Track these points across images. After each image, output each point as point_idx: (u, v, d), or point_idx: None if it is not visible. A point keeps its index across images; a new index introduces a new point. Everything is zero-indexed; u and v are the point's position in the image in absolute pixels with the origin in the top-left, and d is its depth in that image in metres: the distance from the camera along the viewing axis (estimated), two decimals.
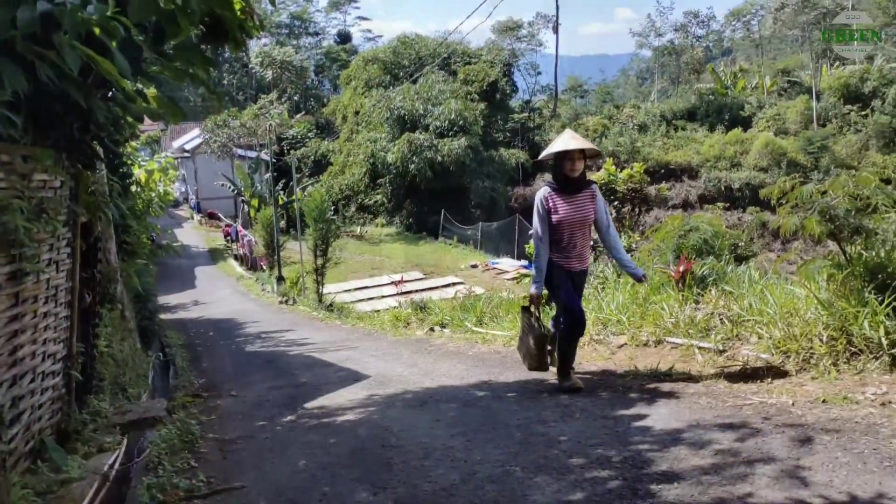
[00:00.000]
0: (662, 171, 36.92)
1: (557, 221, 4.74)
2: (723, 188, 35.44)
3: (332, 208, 21.49)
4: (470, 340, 8.38)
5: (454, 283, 22.28)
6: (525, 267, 21.73)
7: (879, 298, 4.23)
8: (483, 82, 41.34)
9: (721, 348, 5.14)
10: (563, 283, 4.82)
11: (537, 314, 5.01)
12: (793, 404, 3.74)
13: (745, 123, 40.60)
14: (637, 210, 10.73)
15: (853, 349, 4.23)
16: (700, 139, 39.96)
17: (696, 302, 6.10)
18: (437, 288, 21.46)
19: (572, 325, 4.76)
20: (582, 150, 4.78)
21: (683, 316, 5.88)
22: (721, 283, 6.25)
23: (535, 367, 5.04)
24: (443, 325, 10.34)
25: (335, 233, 18.34)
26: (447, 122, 36.75)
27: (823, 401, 3.72)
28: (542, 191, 4.87)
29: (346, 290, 22.14)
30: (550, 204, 4.78)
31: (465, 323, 9.75)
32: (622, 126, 42.35)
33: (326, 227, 17.43)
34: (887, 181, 30.23)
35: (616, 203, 9.80)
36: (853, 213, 4.54)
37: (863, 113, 38.07)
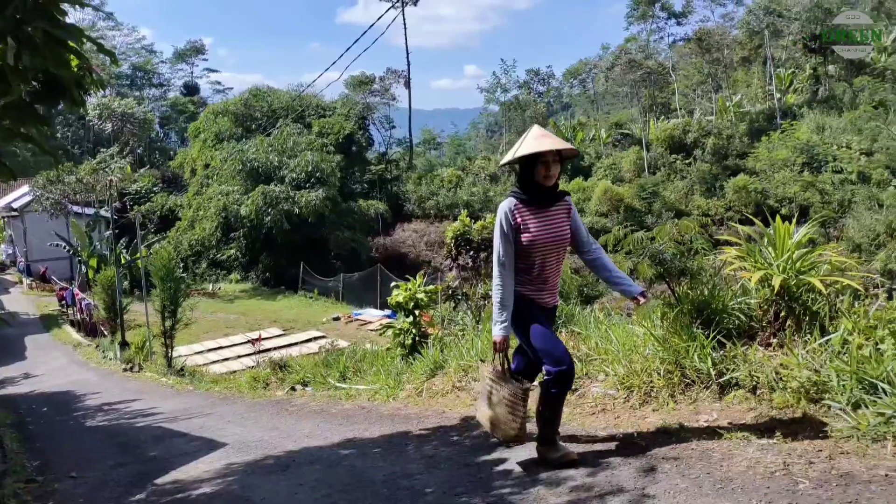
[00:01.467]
0: None
1: (529, 242, 3.62)
2: None
3: (182, 265, 20.48)
4: (334, 397, 8.22)
5: (316, 338, 21.83)
6: (389, 316, 21.72)
7: (706, 333, 4.66)
8: (339, 134, 41.60)
9: (573, 388, 5.41)
10: (538, 323, 3.66)
11: (507, 364, 3.76)
12: (637, 436, 4.02)
13: (586, 172, 43.67)
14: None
15: (687, 380, 4.61)
16: None
17: None
18: (297, 343, 20.91)
19: (561, 376, 3.56)
20: (558, 152, 3.67)
21: None
22: (570, 325, 6.63)
23: (512, 437, 3.71)
24: (305, 384, 10.08)
25: (185, 292, 17.40)
26: (304, 173, 36.46)
27: (664, 430, 4.02)
28: (505, 203, 3.70)
29: (198, 352, 21.00)
30: (518, 219, 3.64)
31: (329, 379, 9.57)
32: (475, 177, 44.07)
33: (175, 286, 16.50)
34: (708, 223, 33.44)
35: (472, 253, 10.18)
36: (678, 256, 5.00)
37: (687, 161, 42.18)
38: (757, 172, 37.57)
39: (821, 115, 41.84)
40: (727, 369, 4.40)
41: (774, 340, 4.52)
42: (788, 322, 4.55)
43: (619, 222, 35.18)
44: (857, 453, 3.14)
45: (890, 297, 4.56)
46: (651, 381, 4.77)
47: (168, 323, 16.61)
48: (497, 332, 3.64)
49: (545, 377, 3.67)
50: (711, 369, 4.45)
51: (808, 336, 4.33)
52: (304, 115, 43.22)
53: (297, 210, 34.86)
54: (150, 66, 68.06)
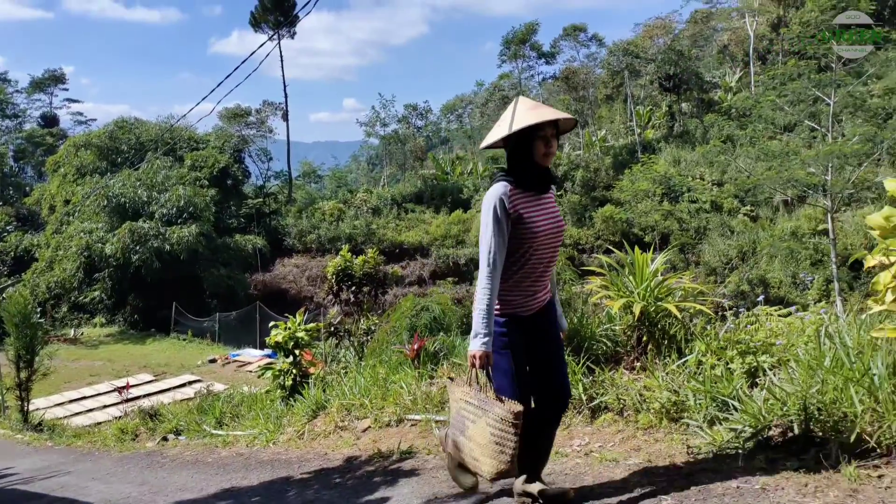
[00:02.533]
0: (397, 250, 38.91)
1: (531, 236, 2.95)
2: (451, 264, 38.26)
3: (39, 310, 18.88)
4: (210, 445, 7.84)
5: (190, 382, 20.74)
6: (269, 356, 20.99)
7: (577, 359, 4.89)
8: (213, 168, 40.25)
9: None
10: (520, 346, 3.05)
11: (489, 384, 3.03)
12: None
13: (465, 205, 44.67)
14: (375, 292, 11.20)
15: None
16: (428, 220, 42.94)
17: (431, 377, 6.46)
18: (170, 389, 19.77)
19: (552, 402, 3.13)
20: (556, 124, 3.04)
21: (420, 392, 6.17)
22: (451, 357, 6.73)
23: (501, 472, 2.97)
24: (178, 432, 9.54)
25: (43, 338, 16.06)
26: (175, 209, 34.89)
27: None
28: (497, 189, 2.96)
29: (59, 404, 19.37)
30: (517, 207, 2.95)
31: (204, 426, 9.12)
32: (357, 210, 43.93)
33: (32, 333, 15.18)
34: (581, 250, 35.05)
35: (354, 288, 10.13)
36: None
37: (559, 192, 44.17)
38: (622, 203, 39.89)
39: (677, 148, 45.20)
40: (597, 394, 4.62)
41: (638, 364, 4.82)
42: (650, 346, 4.87)
43: None
44: (713, 468, 3.39)
45: (737, 317, 4.99)
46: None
47: (24, 374, 15.19)
48: (476, 345, 2.90)
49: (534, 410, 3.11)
50: (583, 394, 4.66)
51: (668, 358, 4.65)
52: (175, 147, 41.51)
53: (168, 247, 33.22)
54: (3, 96, 63.08)
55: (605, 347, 5.12)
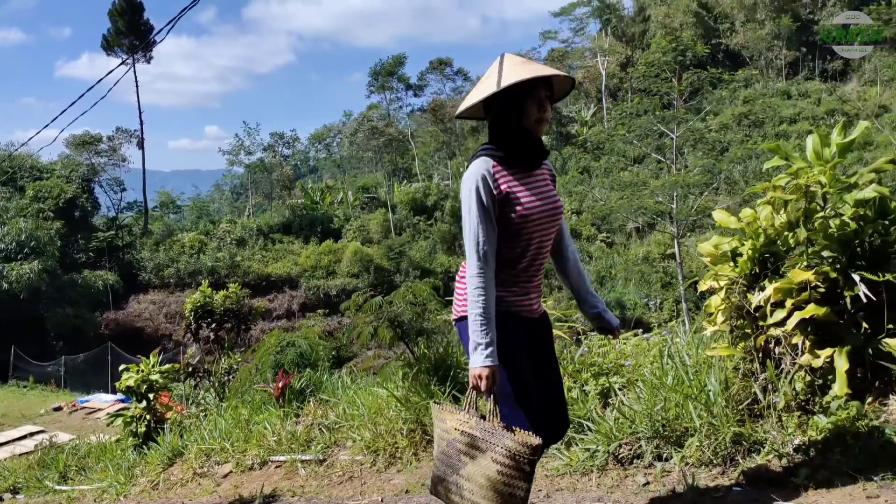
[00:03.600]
0: (264, 283, 37.71)
1: (521, 219, 2.46)
2: (322, 295, 37.59)
3: None
4: (52, 503, 7.14)
5: (32, 434, 18.84)
6: (123, 401, 19.51)
7: (443, 389, 4.92)
8: (59, 199, 37.34)
9: (322, 458, 5.33)
10: (520, 350, 2.56)
11: (496, 410, 2.44)
12: (382, 500, 4.06)
13: (336, 234, 44.25)
14: (237, 329, 10.74)
15: (428, 437, 4.80)
16: (297, 251, 42.06)
17: (297, 416, 6.26)
18: (7, 443, 17.86)
19: (548, 430, 2.61)
20: (550, 86, 2.53)
21: (285, 432, 5.96)
22: (318, 393, 6.57)
23: None
24: (15, 491, 8.61)
25: None
26: (15, 243, 31.97)
27: (407, 491, 4.12)
28: (478, 165, 2.49)
29: None
30: (503, 186, 2.47)
31: (46, 482, 8.29)
32: (220, 241, 42.24)
33: None
34: (452, 279, 35.83)
35: (214, 325, 9.66)
36: (415, 318, 5.25)
37: (429, 222, 44.81)
38: None
39: None
40: None
41: None
42: None
43: (370, 282, 36.05)
44: (569, 488, 3.51)
45: (590, 340, 5.24)
46: (396, 443, 4.88)
47: None
48: (481, 361, 2.34)
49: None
50: None
51: None
52: (15, 177, 38.17)
53: (5, 286, 30.28)
54: None
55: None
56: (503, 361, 2.42)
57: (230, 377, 8.48)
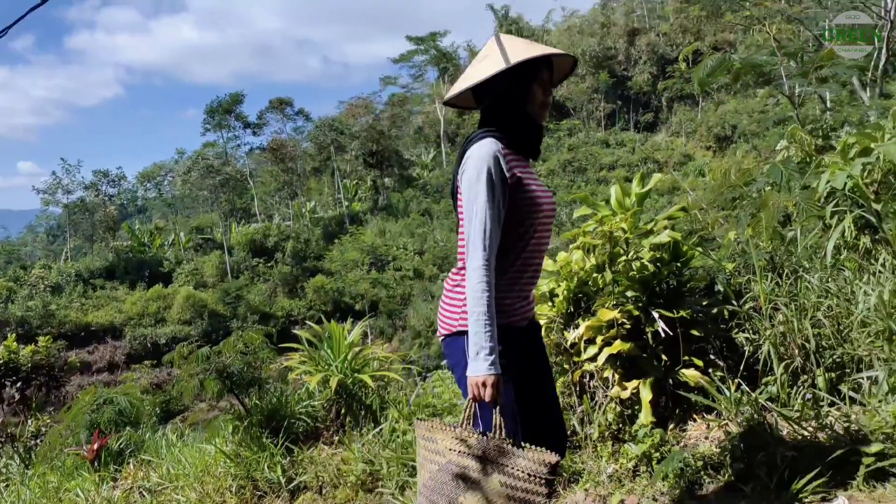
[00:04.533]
0: (83, 333, 34.49)
1: (533, 208, 2.23)
2: (149, 345, 35.01)
3: None
4: None
5: None
6: None
7: (275, 441, 4.75)
8: None
9: None
10: (516, 379, 2.25)
11: (502, 425, 2.11)
12: None
13: (166, 279, 41.64)
14: (48, 386, 9.65)
15: (259, 492, 4.59)
16: (122, 297, 39.03)
17: (115, 479, 5.73)
18: None
19: (550, 444, 2.18)
20: (551, 66, 2.34)
21: (101, 498, 5.43)
22: (140, 453, 6.07)
23: None
24: None
25: None
26: None
27: None
28: (488, 144, 2.19)
29: None
30: (516, 171, 2.21)
31: None
32: (32, 288, 38.19)
33: None
34: (293, 321, 34.56)
35: (20, 384, 8.62)
36: (246, 368, 5.05)
37: (269, 264, 43.48)
38: (333, 273, 40.68)
39: (382, 220, 47.77)
40: (296, 474, 4.52)
41: (336, 438, 4.84)
42: (348, 419, 4.93)
43: (204, 329, 34.20)
44: None
45: (424, 380, 5.31)
46: (224, 502, 4.62)
47: None
48: (482, 367, 2.04)
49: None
50: (281, 477, 4.51)
51: (365, 429, 4.74)
52: None
53: None
54: None
55: (305, 425, 5.06)
56: (507, 379, 2.15)
57: (38, 441, 7.62)
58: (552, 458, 2.05)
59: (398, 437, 4.38)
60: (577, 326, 3.55)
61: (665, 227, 3.53)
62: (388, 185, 53.83)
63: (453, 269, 2.35)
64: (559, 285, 3.73)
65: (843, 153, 3.99)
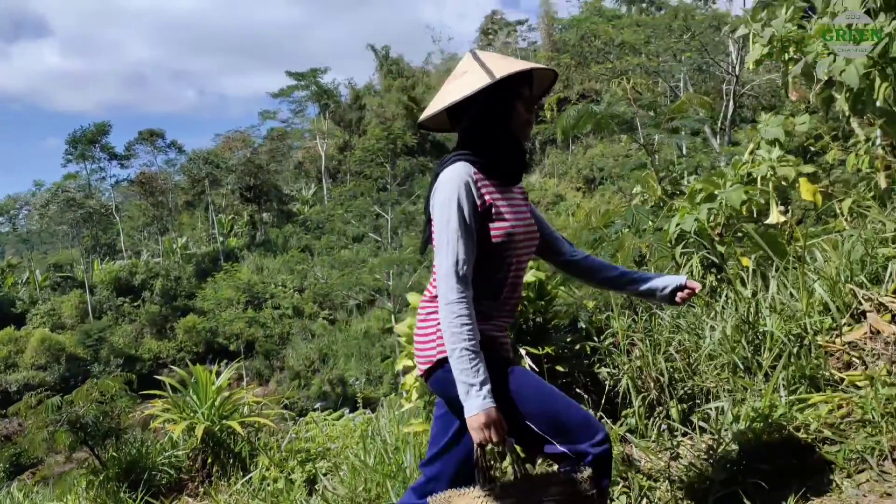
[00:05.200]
0: None
1: (505, 237, 2.09)
2: None
3: None
4: None
5: None
6: None
7: (134, 495, 4.44)
8: None
9: None
10: (520, 377, 2.11)
11: (517, 456, 2.03)
12: None
13: (19, 320, 38.24)
14: None
15: None
16: None
17: None
18: None
19: (606, 455, 2.04)
20: (531, 82, 2.20)
21: None
22: None
23: None
24: None
25: None
26: None
27: None
28: (458, 169, 2.07)
29: None
30: (487, 198, 2.08)
31: None
32: None
33: None
34: (161, 364, 32.75)
35: None
36: (102, 417, 4.71)
37: (135, 304, 40.96)
38: (205, 312, 38.92)
39: (259, 256, 46.40)
40: None
41: (202, 489, 4.60)
42: (215, 468, 4.70)
43: (60, 374, 31.60)
44: None
45: (295, 424, 5.18)
46: None
47: None
48: (481, 403, 1.87)
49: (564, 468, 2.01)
50: None
51: (233, 478, 4.54)
52: None
53: None
54: None
55: (168, 476, 4.78)
56: (516, 383, 2.02)
57: None
58: (586, 471, 1.94)
59: (268, 485, 4.22)
60: None
61: (531, 268, 3.67)
62: (267, 221, 52.54)
63: (423, 297, 2.18)
64: None
65: (691, 198, 4.34)
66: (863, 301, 3.37)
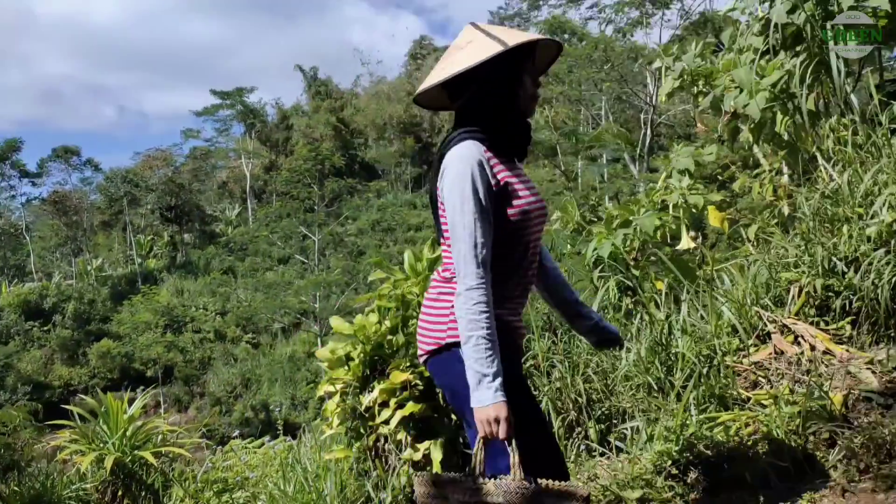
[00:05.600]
0: None
1: (522, 216, 1.99)
2: None
3: None
4: None
5: None
6: None
7: None
8: None
9: None
10: (524, 394, 2.05)
11: (517, 463, 1.86)
12: None
13: None
14: None
15: None
16: None
17: None
18: None
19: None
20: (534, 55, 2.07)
21: None
22: None
23: None
24: None
25: None
26: None
27: None
28: (468, 147, 1.96)
29: None
30: (501, 176, 1.97)
31: None
32: None
33: None
34: (72, 392, 31.13)
35: None
36: (2, 450, 4.44)
37: (45, 328, 38.82)
38: (121, 336, 37.27)
39: (180, 279, 44.84)
40: None
41: None
42: (126, 501, 4.48)
43: None
44: None
45: (214, 453, 5.00)
46: None
47: None
48: (492, 396, 1.80)
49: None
50: None
51: None
52: None
53: None
54: None
55: None
56: (518, 398, 1.91)
57: None
58: (582, 491, 1.84)
59: None
60: (371, 390, 3.56)
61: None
62: (188, 242, 50.98)
63: (435, 278, 2.09)
64: (355, 349, 3.74)
65: (608, 224, 4.49)
66: (767, 323, 3.54)
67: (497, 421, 1.79)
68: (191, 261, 48.26)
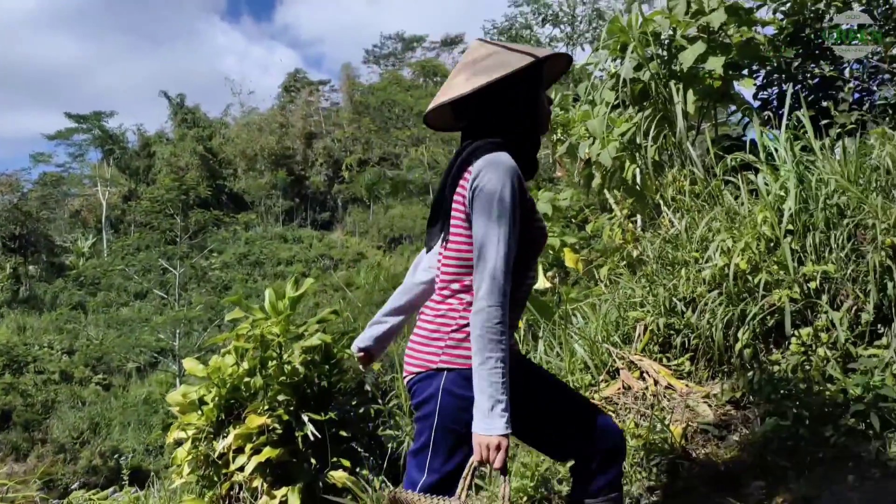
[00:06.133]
0: None
1: (540, 233, 1.92)
2: None
3: None
4: None
5: None
6: None
7: None
8: None
9: None
10: (538, 379, 2.00)
11: (508, 495, 1.78)
12: None
13: None
14: None
15: None
16: None
17: None
18: None
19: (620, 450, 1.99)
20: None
21: None
22: None
23: None
24: None
25: None
26: None
27: None
28: (505, 156, 1.79)
29: None
30: (526, 192, 1.88)
31: None
32: None
33: None
34: None
35: None
36: None
37: None
38: None
39: (23, 315, 40.99)
40: None
41: None
42: None
43: None
44: None
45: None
46: None
47: None
48: (501, 426, 1.69)
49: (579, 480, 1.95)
50: None
51: None
52: None
53: None
54: None
55: None
56: (538, 386, 1.94)
57: None
58: None
59: None
60: (226, 435, 3.40)
61: (317, 330, 3.63)
62: (34, 275, 46.78)
63: (435, 297, 1.93)
64: (209, 392, 3.57)
65: None
66: (616, 359, 3.75)
67: (497, 450, 1.72)
68: (35, 295, 44.25)
